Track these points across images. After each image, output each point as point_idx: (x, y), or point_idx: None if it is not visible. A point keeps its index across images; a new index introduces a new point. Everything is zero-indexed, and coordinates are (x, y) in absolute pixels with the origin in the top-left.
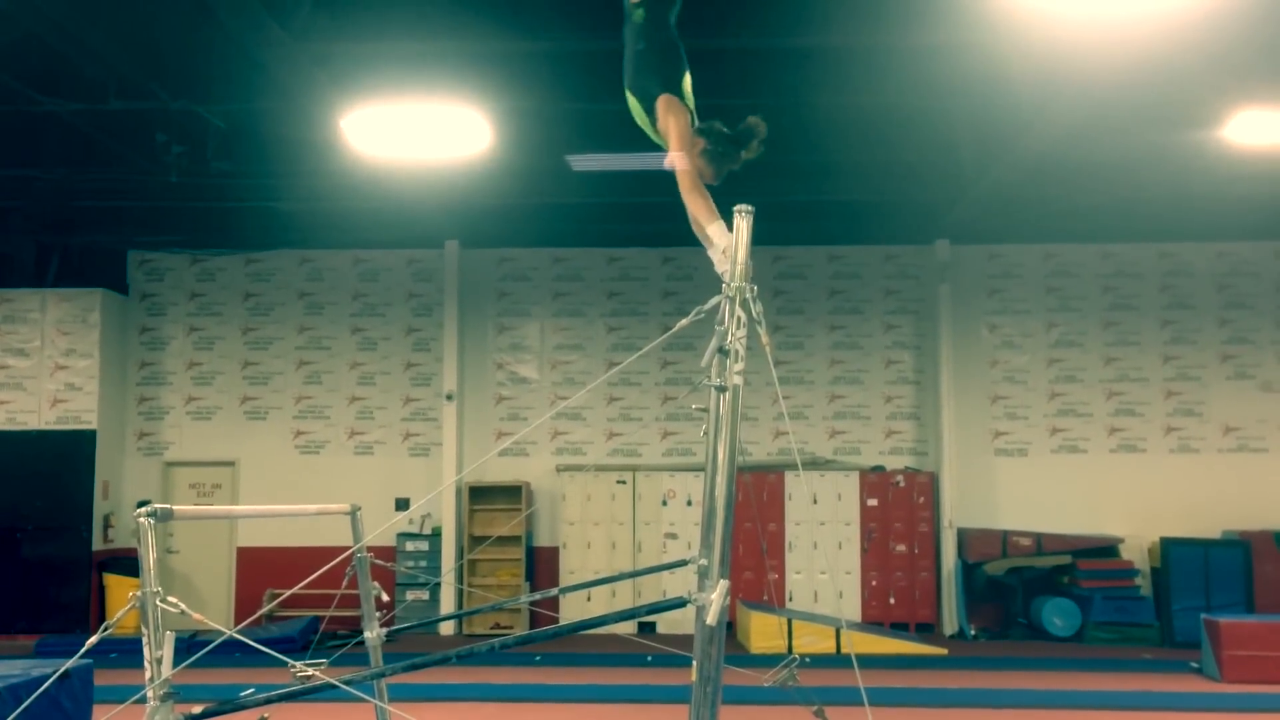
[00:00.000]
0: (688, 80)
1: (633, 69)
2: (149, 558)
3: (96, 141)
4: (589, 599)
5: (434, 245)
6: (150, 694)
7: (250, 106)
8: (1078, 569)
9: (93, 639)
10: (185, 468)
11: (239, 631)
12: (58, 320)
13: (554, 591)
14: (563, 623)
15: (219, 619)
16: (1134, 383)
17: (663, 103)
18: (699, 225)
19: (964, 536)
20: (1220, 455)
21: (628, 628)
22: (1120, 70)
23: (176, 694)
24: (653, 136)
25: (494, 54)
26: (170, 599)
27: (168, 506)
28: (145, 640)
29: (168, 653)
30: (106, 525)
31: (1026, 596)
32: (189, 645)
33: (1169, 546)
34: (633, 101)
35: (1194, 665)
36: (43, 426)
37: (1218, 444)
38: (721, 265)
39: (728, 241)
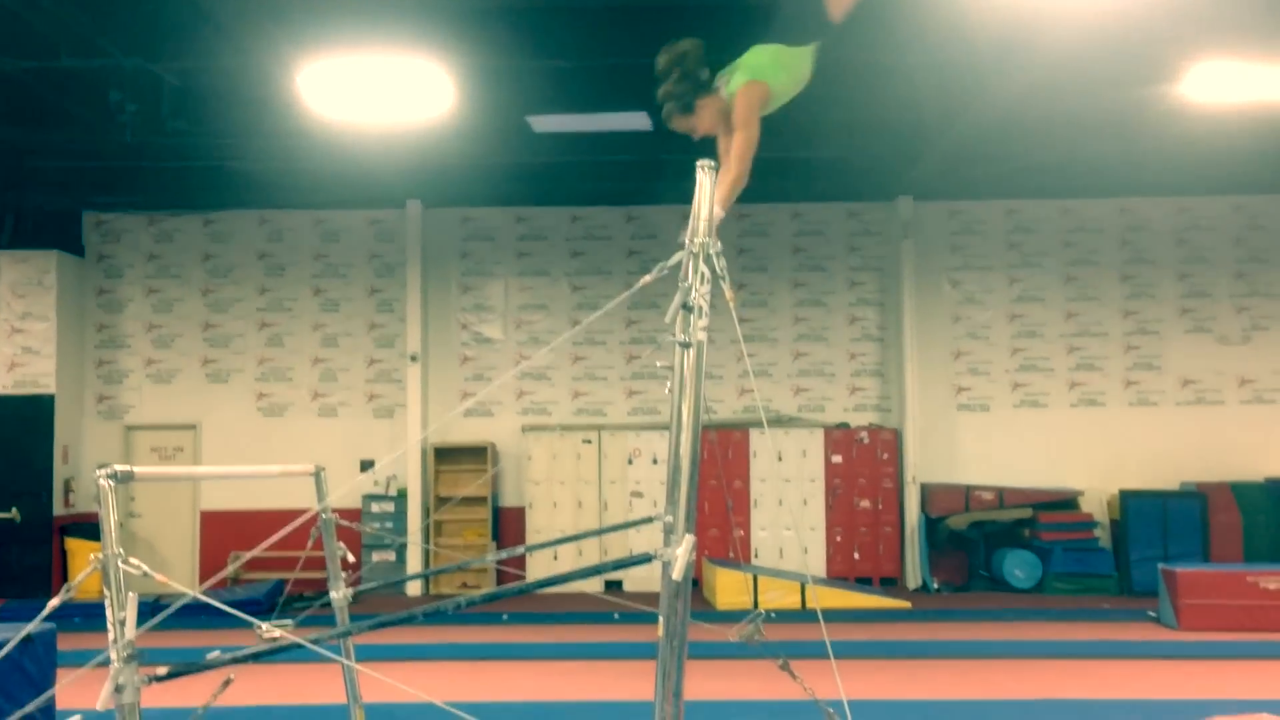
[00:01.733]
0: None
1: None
2: (110, 519)
3: (49, 100)
4: (555, 558)
5: (396, 205)
6: (114, 655)
7: (205, 64)
8: (1038, 522)
9: (54, 601)
10: (146, 431)
11: (203, 593)
12: (12, 283)
13: (520, 550)
14: (529, 581)
15: (183, 583)
16: (1094, 337)
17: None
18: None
19: (927, 491)
20: (1178, 408)
21: (594, 585)
22: (1078, 26)
23: (141, 656)
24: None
25: (456, 10)
26: (132, 560)
27: (128, 468)
28: (108, 602)
29: (131, 614)
30: (67, 490)
31: (988, 549)
32: (153, 608)
33: (1127, 499)
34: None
35: (1151, 614)
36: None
37: (1176, 397)
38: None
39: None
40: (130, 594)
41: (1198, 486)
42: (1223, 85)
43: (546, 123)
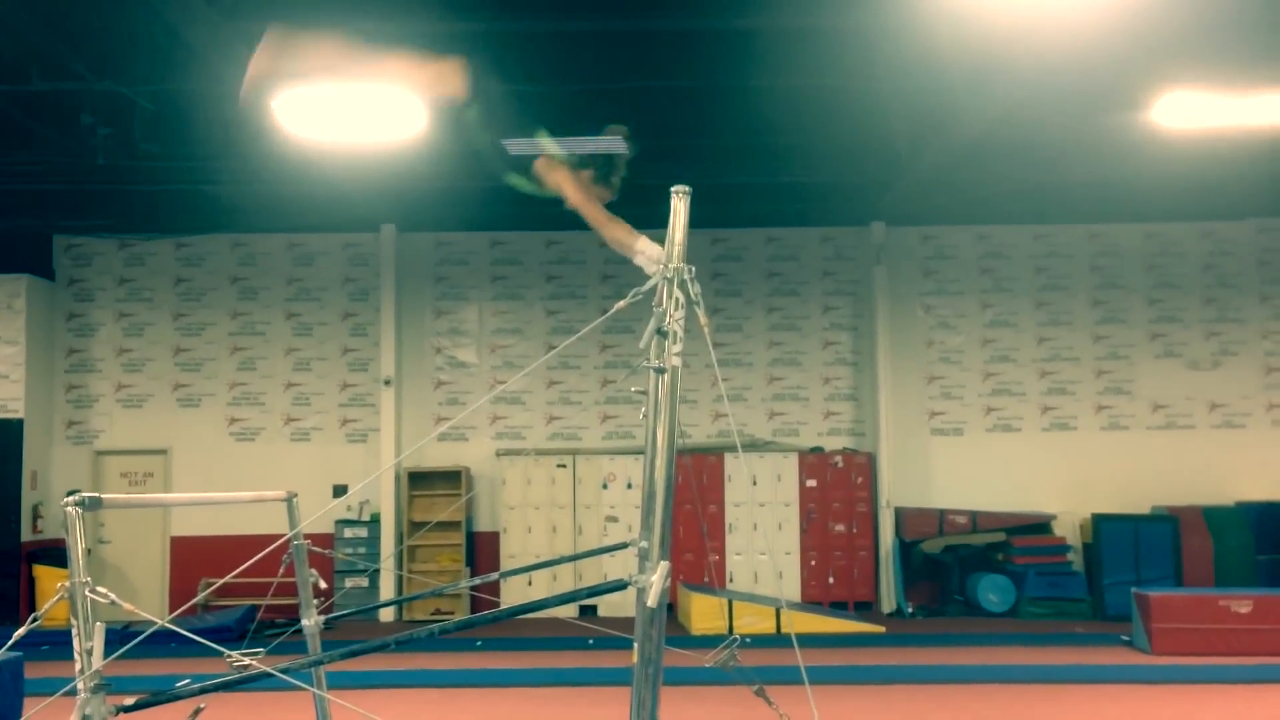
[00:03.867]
0: (543, 134)
1: (499, 158)
2: (77, 547)
3: (19, 123)
4: (530, 583)
5: (370, 229)
6: (81, 685)
7: (179, 87)
8: (1012, 546)
9: (20, 631)
10: (116, 456)
11: (173, 621)
12: None
13: (494, 576)
14: (503, 607)
15: (153, 609)
16: (1065, 362)
17: (540, 167)
18: (625, 247)
19: (901, 515)
20: (1149, 432)
21: (569, 611)
22: (1050, 54)
23: (108, 685)
24: (551, 195)
25: (429, 34)
26: (100, 589)
27: (96, 495)
28: (75, 632)
29: (98, 644)
30: (35, 516)
31: (963, 573)
32: (122, 636)
33: (1100, 522)
34: (518, 181)
35: (1125, 638)
36: None
37: (1147, 421)
38: (653, 268)
39: (656, 250)
40: (97, 624)
41: (1169, 510)
42: (1191, 113)
43: (521, 146)
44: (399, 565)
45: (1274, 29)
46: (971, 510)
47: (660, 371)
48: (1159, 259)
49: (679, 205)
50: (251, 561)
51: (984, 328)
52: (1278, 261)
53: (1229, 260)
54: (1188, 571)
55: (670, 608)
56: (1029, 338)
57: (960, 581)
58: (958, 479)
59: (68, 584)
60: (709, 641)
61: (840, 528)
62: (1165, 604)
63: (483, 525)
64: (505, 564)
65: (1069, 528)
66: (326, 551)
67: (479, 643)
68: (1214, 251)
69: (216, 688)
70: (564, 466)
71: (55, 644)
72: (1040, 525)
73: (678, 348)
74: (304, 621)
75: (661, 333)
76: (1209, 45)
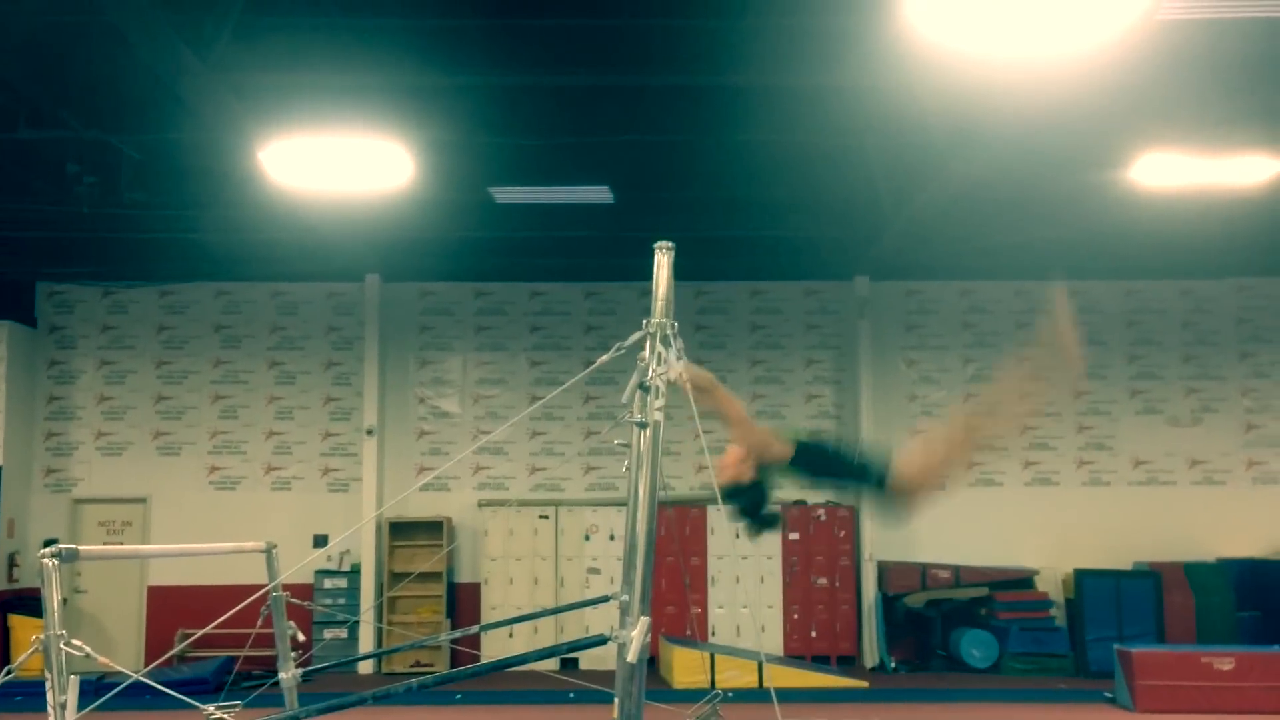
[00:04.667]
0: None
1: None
2: (53, 599)
3: (5, 170)
4: (511, 635)
5: (354, 278)
6: None
7: (165, 137)
8: (995, 601)
9: None
10: (94, 504)
11: (148, 674)
12: None
13: (475, 629)
14: (484, 660)
15: (129, 660)
16: (1047, 417)
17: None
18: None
19: (884, 570)
20: (1130, 488)
21: (550, 664)
22: (1031, 113)
23: None
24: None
25: (415, 88)
26: (75, 642)
27: (73, 547)
28: (49, 685)
29: (72, 697)
30: (11, 564)
31: (945, 628)
32: (97, 688)
33: (1082, 578)
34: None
35: (1108, 695)
36: None
37: (1128, 477)
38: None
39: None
40: (72, 677)
41: (1151, 566)
42: (1170, 173)
43: (509, 194)
44: (379, 617)
45: (1249, 93)
46: (954, 565)
47: (642, 425)
48: (1139, 316)
49: (662, 260)
50: (230, 614)
51: (966, 382)
52: (1257, 320)
53: (1208, 318)
54: (1170, 628)
55: (652, 660)
56: None
57: (943, 636)
58: (940, 533)
59: (43, 636)
60: (691, 695)
61: (823, 581)
62: (1148, 661)
63: (464, 576)
64: (487, 615)
65: (1051, 583)
66: (306, 603)
67: (459, 695)
68: (1193, 309)
69: None
70: (546, 518)
71: (29, 695)
72: (1023, 580)
73: (660, 402)
74: (281, 674)
75: (644, 387)
76: (1187, 107)
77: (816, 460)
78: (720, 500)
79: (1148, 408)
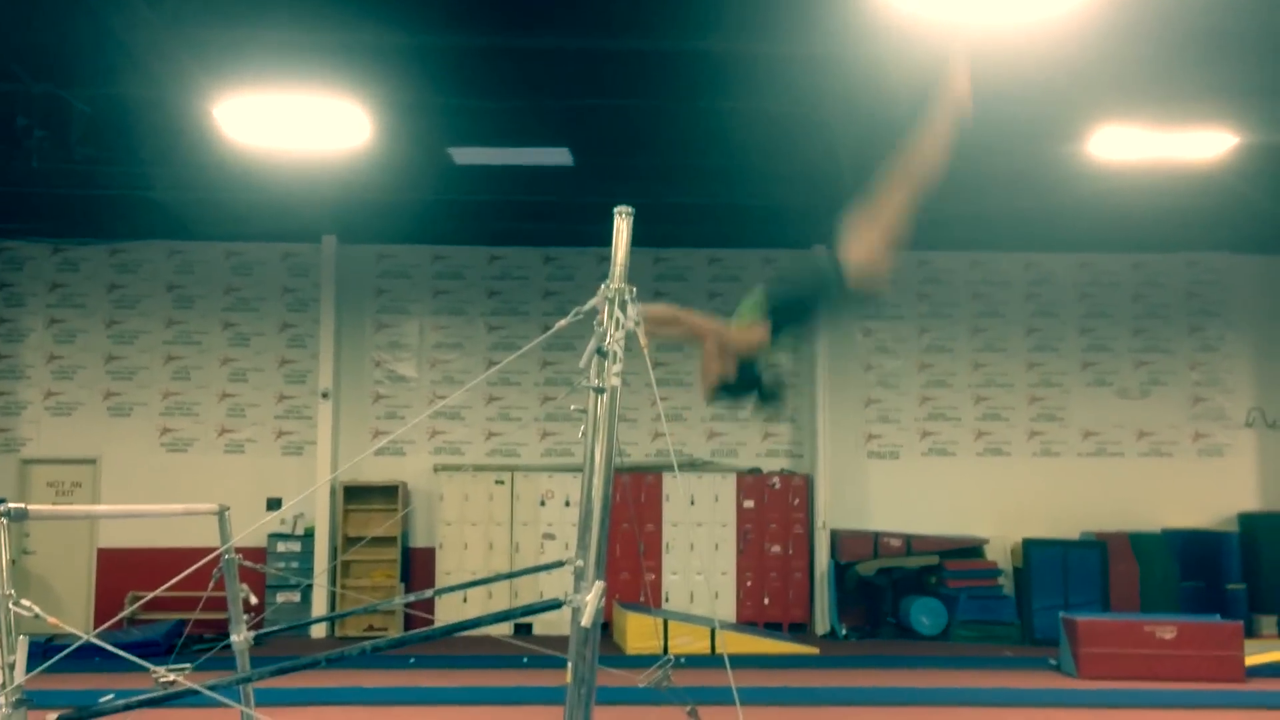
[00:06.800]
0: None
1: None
2: (2, 559)
3: None
4: (465, 600)
5: (311, 240)
6: (2, 700)
7: (118, 92)
8: (945, 569)
9: None
10: (43, 465)
11: (98, 635)
12: None
13: (429, 593)
14: (438, 625)
15: (78, 622)
16: (1000, 388)
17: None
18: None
19: (837, 538)
20: (1080, 459)
21: (503, 629)
22: (990, 85)
23: (30, 700)
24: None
25: (374, 46)
26: (24, 602)
27: (22, 506)
28: None
29: (21, 658)
30: None
31: (896, 596)
32: (45, 650)
33: (1030, 547)
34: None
35: (1052, 662)
36: None
37: (1077, 448)
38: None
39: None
40: (20, 637)
41: (1097, 536)
42: (1125, 147)
43: (468, 154)
44: (332, 581)
45: (1205, 67)
46: (906, 534)
47: (599, 391)
48: (1091, 289)
49: (621, 225)
50: (181, 576)
51: (921, 352)
52: (1206, 294)
53: (1159, 291)
54: (1114, 597)
55: (605, 626)
56: (965, 363)
57: (894, 604)
58: (893, 502)
59: None
60: (644, 661)
61: (776, 549)
62: (1092, 629)
63: (419, 541)
64: (441, 580)
65: (1000, 552)
66: (258, 566)
67: (412, 660)
68: (1144, 283)
69: (141, 704)
70: (502, 483)
71: None
72: (973, 549)
73: (617, 368)
74: (233, 637)
75: (601, 352)
76: (1143, 81)
77: (793, 315)
78: (718, 401)
79: (1098, 380)
